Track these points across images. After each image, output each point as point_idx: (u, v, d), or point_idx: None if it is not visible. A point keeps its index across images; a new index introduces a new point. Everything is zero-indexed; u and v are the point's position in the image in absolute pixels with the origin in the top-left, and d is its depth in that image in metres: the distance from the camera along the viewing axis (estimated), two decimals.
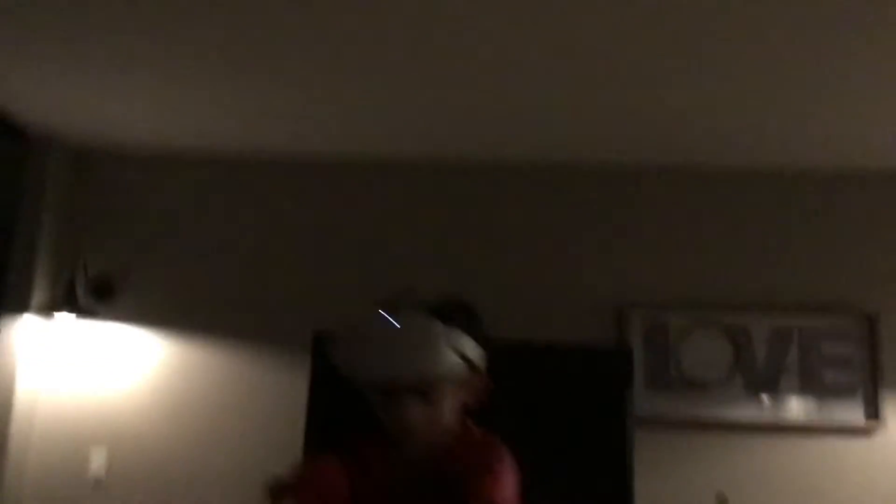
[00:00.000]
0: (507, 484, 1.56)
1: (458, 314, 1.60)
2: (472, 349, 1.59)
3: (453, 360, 1.56)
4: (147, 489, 3.66)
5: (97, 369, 3.78)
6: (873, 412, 3.57)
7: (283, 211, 3.90)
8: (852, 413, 3.59)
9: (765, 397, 3.62)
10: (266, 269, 3.84)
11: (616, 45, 2.74)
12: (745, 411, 3.62)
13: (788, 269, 3.75)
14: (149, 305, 3.82)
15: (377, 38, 2.75)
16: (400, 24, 2.65)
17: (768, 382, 3.63)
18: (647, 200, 3.85)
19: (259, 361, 3.74)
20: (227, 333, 3.78)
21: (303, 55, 2.90)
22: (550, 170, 3.88)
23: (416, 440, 1.60)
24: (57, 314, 3.71)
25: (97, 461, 3.66)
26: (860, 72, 2.88)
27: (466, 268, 3.75)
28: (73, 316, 3.70)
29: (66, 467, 3.68)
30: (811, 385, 3.61)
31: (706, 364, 3.66)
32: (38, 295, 3.74)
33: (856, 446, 3.58)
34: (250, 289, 3.83)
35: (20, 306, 3.69)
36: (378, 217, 3.87)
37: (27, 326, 3.69)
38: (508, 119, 3.41)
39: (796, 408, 3.61)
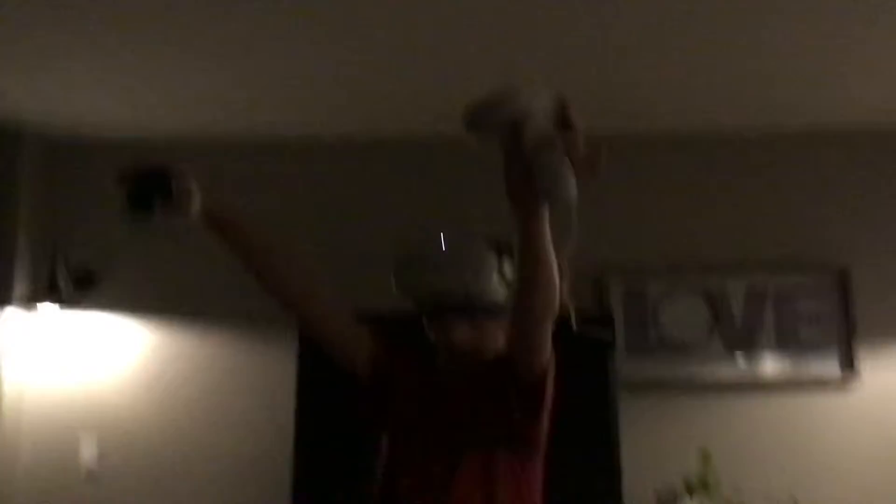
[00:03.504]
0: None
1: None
2: None
3: (501, 289, 1.65)
4: (139, 477, 3.67)
5: (82, 359, 3.78)
6: (848, 365, 3.66)
7: (257, 194, 3.87)
8: (828, 367, 3.67)
9: (740, 356, 3.69)
10: None
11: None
12: (724, 370, 3.69)
13: (761, 229, 3.82)
14: (130, 294, 3.81)
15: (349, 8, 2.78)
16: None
17: (746, 341, 3.71)
18: (618, 168, 3.89)
19: (244, 343, 3.76)
20: (210, 317, 3.79)
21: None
22: None
23: (459, 361, 1.64)
24: (39, 305, 3.71)
25: (88, 451, 3.67)
26: (830, 30, 2.95)
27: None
28: (55, 306, 3.70)
29: (57, 458, 3.68)
30: (787, 341, 3.69)
31: (685, 326, 3.73)
32: (20, 287, 3.73)
33: (832, 400, 3.67)
34: (230, 271, 3.82)
35: (2, 299, 3.68)
36: (363, 198, 3.88)
37: (10, 319, 3.69)
38: None
39: (773, 364, 3.69)
